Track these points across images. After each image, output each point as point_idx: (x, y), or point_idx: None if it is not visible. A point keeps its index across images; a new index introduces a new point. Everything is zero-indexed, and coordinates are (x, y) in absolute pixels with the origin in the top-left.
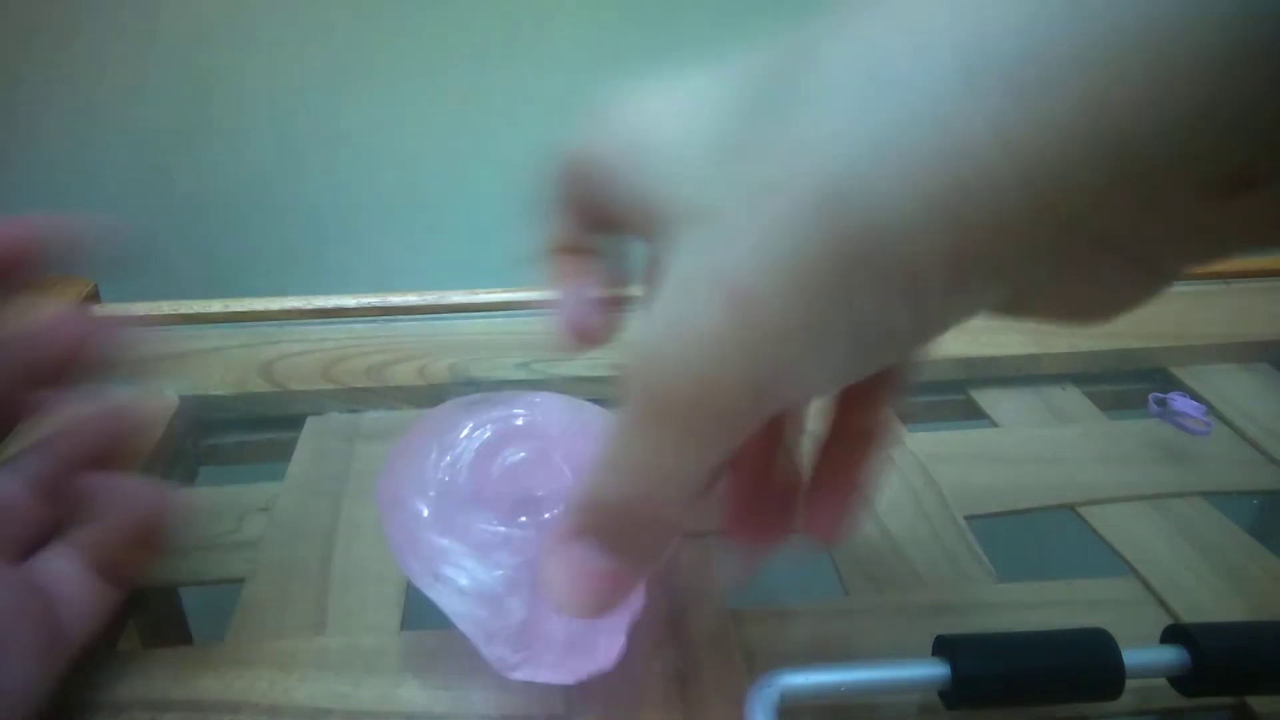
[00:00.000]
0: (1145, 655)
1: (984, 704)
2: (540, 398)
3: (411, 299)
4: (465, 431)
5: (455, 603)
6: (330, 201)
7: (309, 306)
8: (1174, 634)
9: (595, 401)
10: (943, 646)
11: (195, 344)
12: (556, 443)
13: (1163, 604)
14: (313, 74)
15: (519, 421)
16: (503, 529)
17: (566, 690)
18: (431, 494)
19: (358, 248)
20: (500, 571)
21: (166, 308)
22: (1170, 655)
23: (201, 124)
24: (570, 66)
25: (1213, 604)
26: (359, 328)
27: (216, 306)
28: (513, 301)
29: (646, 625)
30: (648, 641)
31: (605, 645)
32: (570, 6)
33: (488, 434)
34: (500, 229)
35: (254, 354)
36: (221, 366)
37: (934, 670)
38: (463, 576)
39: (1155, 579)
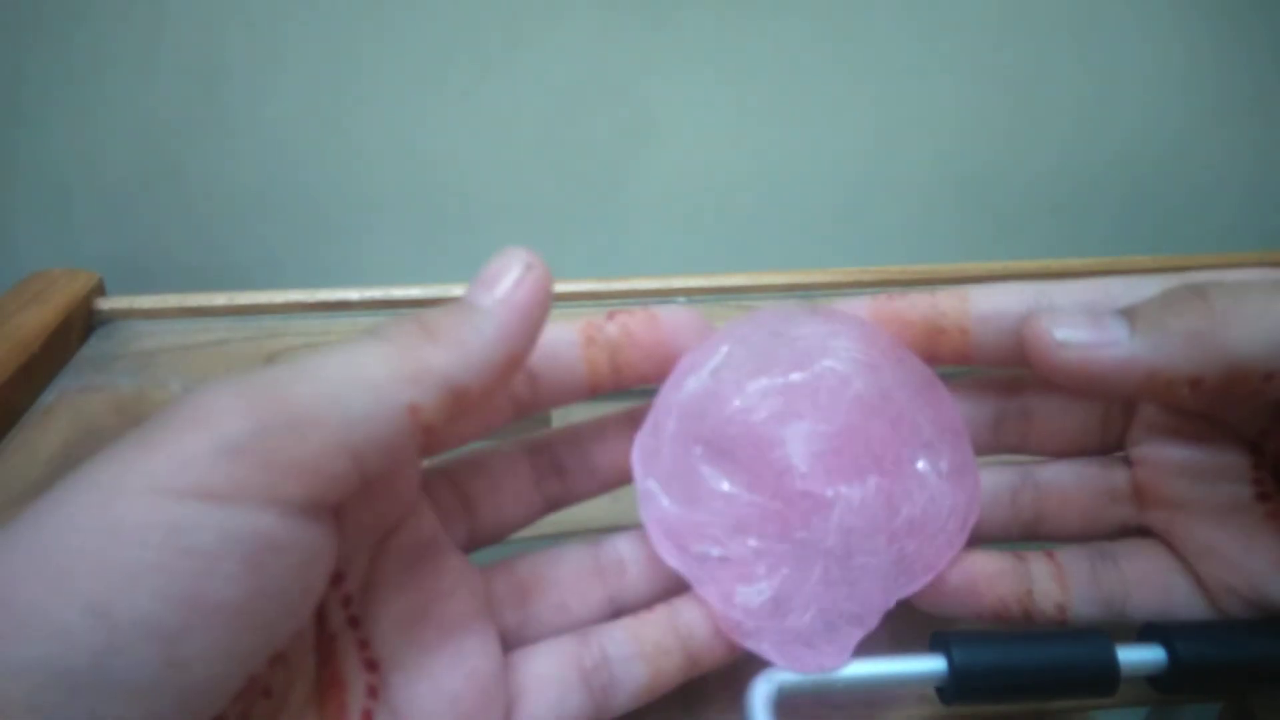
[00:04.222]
0: (1124, 653)
1: (980, 700)
2: (838, 335)
3: (415, 292)
4: (741, 396)
5: (697, 569)
6: (334, 194)
7: (313, 299)
8: (1150, 632)
9: None
10: (940, 642)
11: (199, 337)
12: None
13: None
14: (318, 67)
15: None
16: (757, 499)
17: None
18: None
19: (362, 241)
20: (753, 544)
21: (171, 300)
22: (1146, 654)
23: (208, 117)
24: (573, 60)
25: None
26: (363, 320)
27: (220, 300)
28: None
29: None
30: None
31: (831, 648)
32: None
33: (767, 404)
34: (504, 222)
35: (258, 347)
36: (225, 360)
37: (931, 666)
38: (715, 549)
39: None
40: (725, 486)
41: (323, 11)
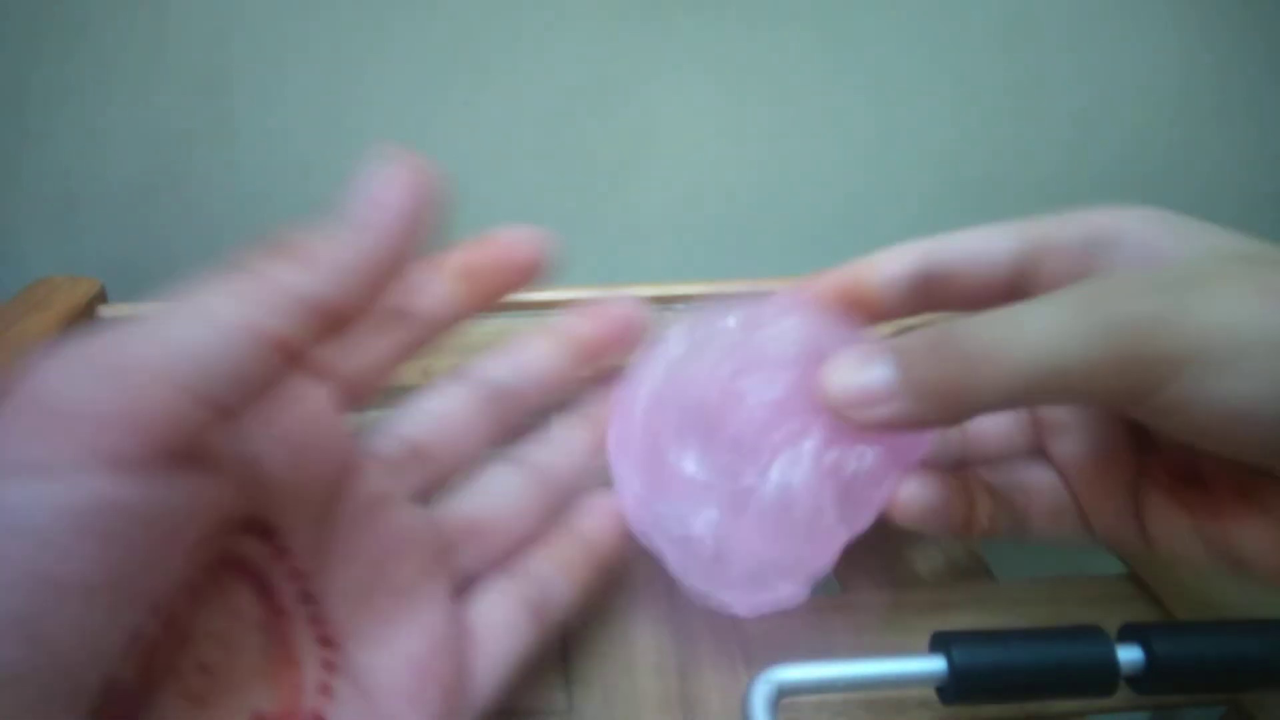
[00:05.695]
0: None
1: (980, 699)
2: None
3: None
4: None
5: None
6: (336, 201)
7: None
8: (1130, 633)
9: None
10: (940, 642)
11: None
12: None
13: (1158, 602)
14: (321, 75)
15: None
16: (709, 477)
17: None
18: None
19: None
20: (707, 515)
21: None
22: (1124, 654)
23: (211, 125)
24: (574, 68)
25: (1211, 599)
26: None
27: None
28: (516, 302)
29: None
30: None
31: (786, 589)
32: (573, 6)
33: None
34: (504, 227)
35: None
36: None
37: (931, 666)
38: (676, 528)
39: (1152, 576)
40: (689, 469)
41: (325, 20)
